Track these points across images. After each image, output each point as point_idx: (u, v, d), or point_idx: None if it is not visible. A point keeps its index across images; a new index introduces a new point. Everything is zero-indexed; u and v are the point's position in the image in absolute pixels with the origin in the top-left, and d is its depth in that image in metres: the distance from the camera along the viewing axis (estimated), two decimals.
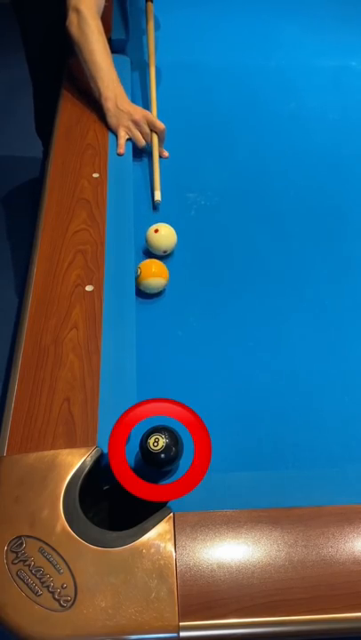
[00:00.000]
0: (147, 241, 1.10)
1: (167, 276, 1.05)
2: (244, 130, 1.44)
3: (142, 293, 1.04)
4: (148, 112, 1.31)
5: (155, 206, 1.22)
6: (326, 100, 1.56)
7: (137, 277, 1.03)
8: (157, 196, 1.21)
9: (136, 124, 1.28)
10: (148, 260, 1.06)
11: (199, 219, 1.21)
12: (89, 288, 0.95)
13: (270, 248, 1.16)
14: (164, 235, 1.09)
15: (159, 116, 1.32)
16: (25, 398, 0.81)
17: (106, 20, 1.40)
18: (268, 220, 1.22)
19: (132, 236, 1.08)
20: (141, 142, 1.29)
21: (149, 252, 1.11)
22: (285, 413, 0.90)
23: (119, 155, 1.25)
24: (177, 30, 1.74)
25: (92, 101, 1.33)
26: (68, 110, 1.34)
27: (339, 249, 1.17)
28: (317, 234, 1.20)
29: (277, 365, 0.96)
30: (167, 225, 1.10)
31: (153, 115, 1.33)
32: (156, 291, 1.05)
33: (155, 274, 1.03)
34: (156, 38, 1.64)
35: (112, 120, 1.28)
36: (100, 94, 1.29)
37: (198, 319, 1.03)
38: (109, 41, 1.37)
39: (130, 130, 1.28)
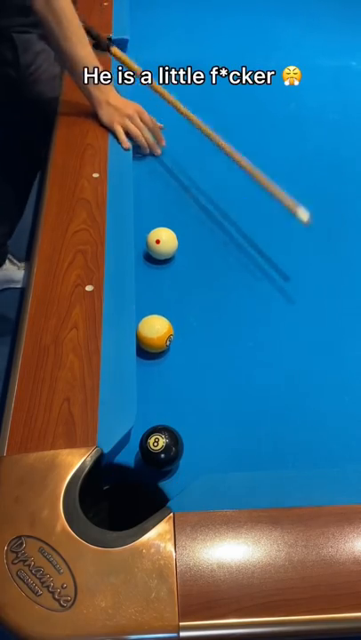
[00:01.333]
0: (149, 249, 1.10)
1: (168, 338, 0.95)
2: (244, 130, 1.44)
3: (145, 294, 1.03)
4: (139, 105, 1.30)
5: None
6: (326, 100, 1.56)
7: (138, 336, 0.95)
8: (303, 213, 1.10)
9: (129, 118, 1.28)
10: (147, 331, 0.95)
11: (199, 219, 1.21)
12: (89, 288, 0.95)
13: (270, 248, 1.16)
14: (165, 242, 1.09)
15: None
16: (25, 398, 0.81)
17: (106, 19, 1.40)
18: (268, 220, 1.22)
19: (132, 236, 1.08)
20: (137, 134, 1.29)
21: (151, 258, 1.11)
22: (285, 413, 0.90)
23: (125, 149, 1.25)
24: (176, 29, 1.74)
25: None
26: (68, 110, 1.34)
27: (339, 249, 1.18)
28: (317, 233, 1.20)
29: (277, 365, 0.96)
30: (167, 230, 1.10)
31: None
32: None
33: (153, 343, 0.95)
34: (156, 36, 1.65)
35: (104, 118, 1.28)
36: (89, 94, 1.28)
37: (198, 319, 1.03)
38: (109, 40, 1.36)
39: (125, 125, 1.28)
